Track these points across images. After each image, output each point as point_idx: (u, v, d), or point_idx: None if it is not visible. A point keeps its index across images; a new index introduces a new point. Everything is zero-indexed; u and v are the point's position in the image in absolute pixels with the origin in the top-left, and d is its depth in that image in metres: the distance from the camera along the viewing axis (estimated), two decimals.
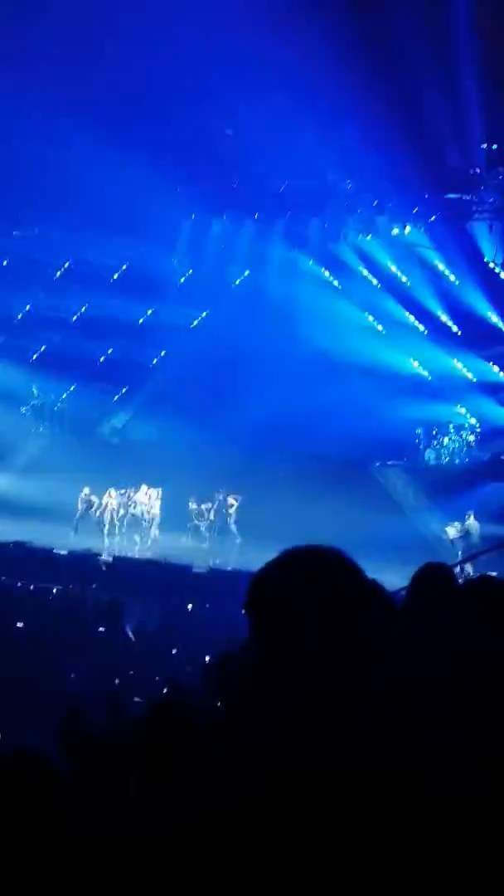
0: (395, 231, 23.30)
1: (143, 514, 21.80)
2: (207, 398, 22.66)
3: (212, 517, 21.56)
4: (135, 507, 21.83)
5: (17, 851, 2.29)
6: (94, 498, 21.44)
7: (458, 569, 10.92)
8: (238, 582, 14.59)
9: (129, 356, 25.67)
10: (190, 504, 21.55)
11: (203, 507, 21.53)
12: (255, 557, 7.44)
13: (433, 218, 22.76)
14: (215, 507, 21.55)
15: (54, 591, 15.43)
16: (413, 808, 1.45)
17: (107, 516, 21.43)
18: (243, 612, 1.73)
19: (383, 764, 1.48)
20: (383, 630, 1.70)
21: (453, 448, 22.44)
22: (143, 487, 21.84)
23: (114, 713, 5.53)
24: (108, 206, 23.05)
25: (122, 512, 21.77)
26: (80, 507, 21.40)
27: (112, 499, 21.51)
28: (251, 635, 1.70)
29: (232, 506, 21.36)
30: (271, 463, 21.21)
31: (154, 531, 21.73)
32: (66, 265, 25.90)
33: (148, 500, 21.81)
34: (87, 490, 21.41)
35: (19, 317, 26.49)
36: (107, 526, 21.39)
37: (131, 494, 21.83)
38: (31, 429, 25.61)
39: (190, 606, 14.64)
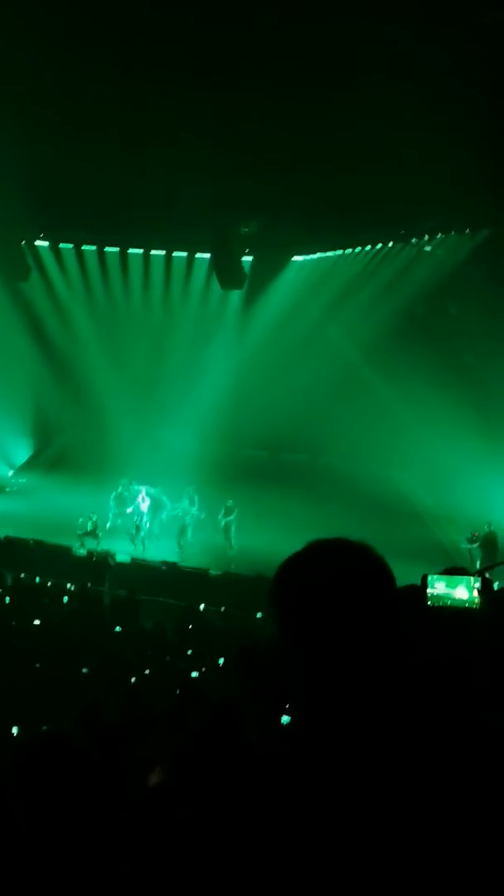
0: None
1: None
2: None
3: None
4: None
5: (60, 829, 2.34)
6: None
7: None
8: (253, 586, 14.61)
9: None
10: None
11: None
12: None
13: None
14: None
15: (71, 588, 15.49)
16: None
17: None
18: (268, 603, 1.61)
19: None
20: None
21: None
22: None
23: (131, 707, 5.58)
24: None
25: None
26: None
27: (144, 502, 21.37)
28: (278, 629, 1.58)
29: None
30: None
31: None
32: None
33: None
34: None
35: None
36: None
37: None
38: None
39: (202, 607, 14.64)
